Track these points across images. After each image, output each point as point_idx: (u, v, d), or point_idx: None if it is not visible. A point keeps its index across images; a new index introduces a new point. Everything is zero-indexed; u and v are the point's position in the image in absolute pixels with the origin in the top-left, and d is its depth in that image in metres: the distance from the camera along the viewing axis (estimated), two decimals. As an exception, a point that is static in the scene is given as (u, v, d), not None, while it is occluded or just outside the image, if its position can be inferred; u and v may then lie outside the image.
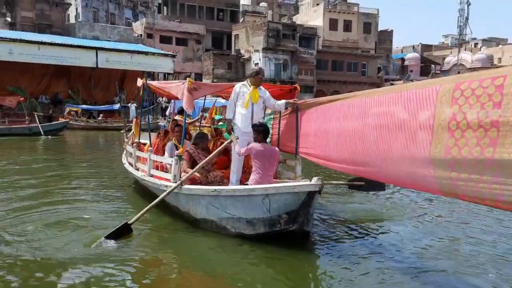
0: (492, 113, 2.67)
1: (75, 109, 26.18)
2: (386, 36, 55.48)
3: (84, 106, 24.20)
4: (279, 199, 4.38)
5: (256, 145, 5.03)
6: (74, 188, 8.01)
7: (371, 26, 52.01)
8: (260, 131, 5.12)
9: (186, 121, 9.41)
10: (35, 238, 4.82)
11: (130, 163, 7.79)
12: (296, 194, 4.31)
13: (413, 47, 65.45)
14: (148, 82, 7.04)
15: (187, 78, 5.60)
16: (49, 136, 20.60)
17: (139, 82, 7.47)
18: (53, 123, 23.43)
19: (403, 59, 57.28)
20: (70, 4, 40.71)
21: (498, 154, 2.63)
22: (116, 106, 21.51)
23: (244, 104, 5.60)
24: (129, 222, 5.05)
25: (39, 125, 21.27)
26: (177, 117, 8.34)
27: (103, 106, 25.24)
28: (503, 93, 2.61)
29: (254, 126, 5.24)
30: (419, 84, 3.52)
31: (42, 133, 20.70)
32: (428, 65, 57.89)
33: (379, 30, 53.55)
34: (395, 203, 7.10)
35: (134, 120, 9.18)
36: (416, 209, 6.69)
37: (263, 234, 4.58)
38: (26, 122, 22.36)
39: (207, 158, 5.45)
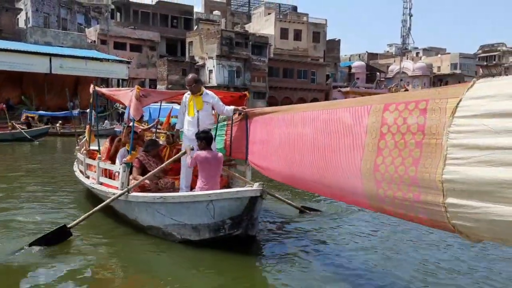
0: (417, 135, 2.76)
1: (32, 115, 26.35)
2: (334, 45, 58.39)
3: (42, 112, 24.55)
4: (223, 204, 4.44)
5: (200, 153, 5.08)
6: (21, 192, 8.18)
7: (320, 35, 54.54)
8: (202, 138, 5.16)
9: (142, 127, 10.07)
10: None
11: (81, 171, 7.66)
12: (239, 199, 4.38)
13: (359, 55, 69.03)
14: (97, 88, 6.99)
15: (136, 86, 5.63)
16: (37, 142, 21.58)
17: (91, 88, 7.33)
18: (35, 129, 24.17)
19: (350, 67, 60.28)
20: (20, 9, 40.13)
21: (419, 174, 2.70)
22: (75, 112, 22.14)
23: (188, 112, 5.72)
24: (68, 226, 4.96)
25: (23, 131, 22.11)
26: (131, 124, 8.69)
27: (61, 112, 25.65)
28: (426, 117, 2.72)
29: (196, 134, 5.32)
30: (353, 102, 3.64)
31: (29, 138, 21.60)
32: (374, 72, 61.26)
33: (327, 39, 56.19)
34: (336, 204, 7.08)
35: (87, 126, 8.82)
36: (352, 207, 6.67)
37: (208, 239, 4.63)
38: (9, 129, 23.05)
39: (159, 167, 5.48)
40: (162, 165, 5.55)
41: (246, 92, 6.83)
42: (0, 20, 37.04)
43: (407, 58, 64.15)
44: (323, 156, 3.80)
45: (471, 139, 2.39)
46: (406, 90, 51.34)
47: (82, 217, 5.19)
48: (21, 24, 42.30)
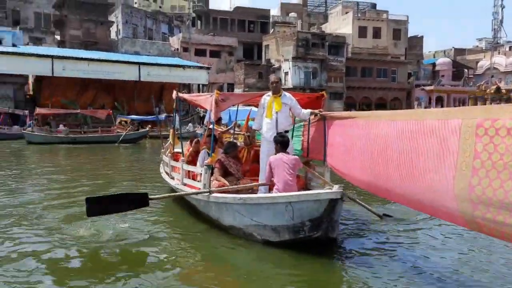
0: None
1: (125, 119, 28.82)
2: (416, 42, 55.87)
3: (133, 117, 26.89)
4: (302, 206, 4.45)
5: (273, 158, 5.20)
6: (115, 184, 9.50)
7: (401, 32, 52.59)
8: (278, 142, 5.26)
9: (221, 129, 10.44)
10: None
11: (166, 172, 7.98)
12: (318, 201, 4.38)
13: (444, 52, 65.11)
14: (180, 94, 7.25)
15: (215, 90, 5.82)
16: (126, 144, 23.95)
17: (174, 94, 7.62)
18: (136, 131, 26.87)
19: (434, 64, 57.13)
20: (113, 22, 43.77)
21: None
22: (162, 117, 23.90)
23: (267, 113, 5.73)
24: (149, 196, 5.30)
25: (123, 133, 24.93)
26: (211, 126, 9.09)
27: (150, 117, 27.70)
28: None
29: (274, 137, 5.38)
30: (440, 113, 3.41)
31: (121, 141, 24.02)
32: (461, 69, 57.45)
33: (409, 36, 54.00)
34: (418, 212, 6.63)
35: (171, 130, 9.28)
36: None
37: (288, 241, 4.64)
38: (115, 132, 26.10)
39: (241, 186, 5.64)
40: (244, 186, 5.69)
41: (323, 92, 6.72)
42: (96, 33, 40.71)
43: (499, 52, 59.22)
44: (410, 174, 3.61)
45: None
46: (498, 87, 47.53)
47: (164, 195, 5.82)
48: (113, 35, 46.16)
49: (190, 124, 27.44)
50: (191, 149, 7.42)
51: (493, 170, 2.74)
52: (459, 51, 65.45)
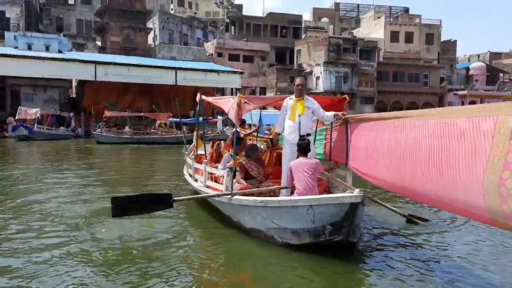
0: None
1: (165, 122, 30.27)
2: (449, 46, 55.24)
3: (173, 119, 28.12)
4: (323, 210, 4.45)
5: (293, 163, 5.28)
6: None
7: (434, 36, 52.23)
8: (298, 146, 5.35)
9: (245, 132, 10.71)
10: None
11: (190, 174, 8.01)
12: (339, 205, 4.36)
13: (478, 56, 63.90)
14: (202, 97, 7.23)
15: (237, 94, 5.80)
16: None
17: (198, 97, 7.60)
18: (191, 134, 28.06)
19: (467, 69, 56.32)
20: (151, 29, 45.67)
21: None
22: (200, 119, 25.14)
23: (290, 116, 5.73)
24: (174, 198, 5.32)
25: (183, 135, 26.09)
26: (238, 129, 9.02)
27: (189, 119, 28.92)
28: None
29: (298, 141, 5.43)
30: (475, 110, 3.35)
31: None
32: (496, 73, 56.36)
33: (442, 40, 53.49)
34: (444, 214, 6.68)
35: (195, 133, 9.24)
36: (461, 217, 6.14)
37: (309, 244, 4.64)
38: (175, 133, 27.70)
39: (264, 189, 5.79)
40: (266, 188, 5.82)
41: (346, 96, 6.63)
42: (135, 39, 42.65)
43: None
44: (439, 169, 3.59)
45: None
46: (535, 92, 46.43)
47: (188, 197, 5.96)
48: (150, 41, 48.04)
49: (227, 127, 28.47)
50: (212, 151, 7.55)
51: None
52: (495, 55, 63.99)
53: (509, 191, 2.85)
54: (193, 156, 7.95)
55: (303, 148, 5.29)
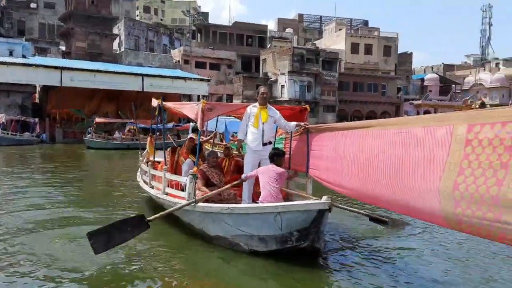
0: (504, 156, 2.74)
1: (134, 127, 30.55)
2: (406, 58, 58.20)
3: (142, 125, 28.37)
4: (290, 217, 4.46)
5: (261, 168, 5.36)
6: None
7: (391, 49, 54.84)
8: (271, 153, 5.51)
9: (201, 139, 10.75)
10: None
11: (144, 181, 7.88)
12: (307, 212, 4.39)
13: (432, 68, 67.63)
14: (163, 103, 7.08)
15: (201, 100, 5.76)
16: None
17: (154, 102, 7.42)
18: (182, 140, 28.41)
19: (422, 80, 59.48)
20: (117, 35, 45.57)
21: (502, 193, 2.70)
22: (170, 125, 25.48)
23: (253, 123, 5.79)
24: (147, 218, 5.00)
25: (173, 141, 26.43)
26: (191, 135, 8.26)
27: (158, 125, 29.37)
28: None
29: (272, 150, 5.61)
30: (431, 120, 3.50)
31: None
32: (448, 85, 59.88)
33: (399, 52, 56.30)
34: (405, 218, 6.74)
35: (148, 138, 9.16)
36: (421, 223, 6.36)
37: (275, 251, 4.65)
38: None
39: (223, 188, 5.80)
40: (225, 187, 5.85)
41: (306, 106, 6.72)
42: (100, 45, 42.53)
43: (485, 69, 61.82)
44: (399, 178, 3.72)
45: None
46: (483, 102, 49.86)
47: (161, 214, 5.25)
48: (115, 46, 47.85)
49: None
50: (175, 158, 7.50)
51: (479, 169, 2.88)
52: (448, 67, 67.93)
53: (462, 194, 2.98)
54: (149, 163, 7.88)
55: (271, 155, 5.46)
